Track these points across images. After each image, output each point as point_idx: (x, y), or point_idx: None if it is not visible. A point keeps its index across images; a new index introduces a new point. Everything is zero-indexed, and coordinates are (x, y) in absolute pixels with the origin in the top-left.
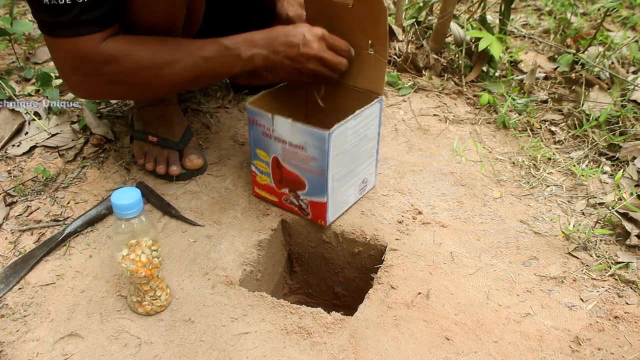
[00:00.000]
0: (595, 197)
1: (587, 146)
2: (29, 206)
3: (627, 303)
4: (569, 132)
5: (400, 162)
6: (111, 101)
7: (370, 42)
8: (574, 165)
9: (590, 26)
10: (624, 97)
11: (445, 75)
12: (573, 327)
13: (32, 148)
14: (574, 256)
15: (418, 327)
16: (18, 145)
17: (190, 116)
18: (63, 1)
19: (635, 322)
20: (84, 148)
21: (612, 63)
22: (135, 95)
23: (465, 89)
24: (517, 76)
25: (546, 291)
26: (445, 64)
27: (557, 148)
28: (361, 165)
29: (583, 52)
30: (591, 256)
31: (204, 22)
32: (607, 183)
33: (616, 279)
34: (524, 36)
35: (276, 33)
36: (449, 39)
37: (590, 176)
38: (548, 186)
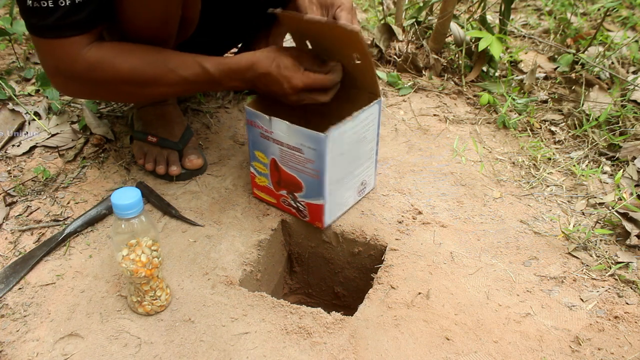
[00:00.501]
0: (595, 197)
1: (587, 146)
2: (29, 206)
3: (627, 303)
4: (569, 132)
5: (400, 162)
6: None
7: (355, 55)
8: (574, 165)
9: (590, 26)
10: (624, 97)
11: (445, 75)
12: (573, 327)
13: (32, 148)
14: (574, 256)
15: (418, 327)
16: (18, 145)
17: (190, 116)
18: (46, 4)
19: (635, 322)
20: (84, 148)
21: (612, 63)
22: (119, 101)
23: (465, 89)
24: (517, 76)
25: (546, 291)
26: (445, 64)
27: (557, 148)
28: (360, 167)
29: (583, 52)
30: (591, 256)
31: (200, 21)
32: (607, 183)
33: (616, 279)
34: (524, 36)
35: (261, 73)
36: (449, 39)
37: (590, 176)
38: (548, 186)
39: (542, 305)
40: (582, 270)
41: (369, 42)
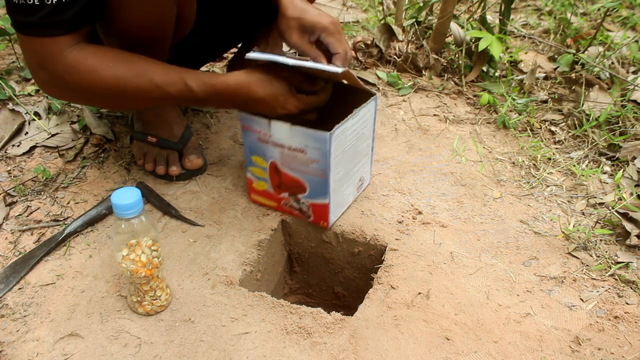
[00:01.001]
0: (595, 197)
1: (587, 146)
2: (29, 206)
3: (627, 303)
4: (569, 132)
5: (400, 162)
6: None
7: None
8: (574, 165)
9: (590, 26)
10: (624, 97)
11: (445, 75)
12: (573, 327)
13: (32, 148)
14: (574, 256)
15: (418, 327)
16: (18, 145)
17: (190, 116)
18: (32, 1)
19: (635, 322)
20: (84, 148)
21: (612, 63)
22: (101, 107)
23: (465, 89)
24: (517, 76)
25: (546, 291)
26: (445, 64)
27: (557, 148)
28: (358, 163)
29: (583, 52)
30: (591, 256)
31: (197, 21)
32: (607, 183)
33: (616, 279)
34: (524, 36)
35: (251, 98)
36: (449, 39)
37: (590, 176)
38: (548, 186)
39: (542, 305)
40: (582, 270)
41: (369, 42)
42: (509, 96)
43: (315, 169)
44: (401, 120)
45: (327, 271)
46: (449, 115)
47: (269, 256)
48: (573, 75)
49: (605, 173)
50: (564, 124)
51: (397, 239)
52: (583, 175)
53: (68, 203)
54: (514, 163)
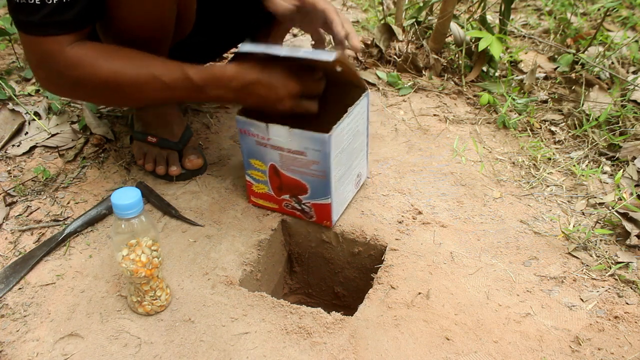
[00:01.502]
0: (595, 197)
1: (587, 146)
2: (29, 206)
3: (627, 303)
4: (569, 132)
5: (400, 162)
6: None
7: (338, 67)
8: (574, 165)
9: (590, 26)
10: (624, 97)
11: (445, 75)
12: (573, 327)
13: (32, 148)
14: (574, 256)
15: (418, 327)
16: (18, 145)
17: (190, 116)
18: (33, 1)
19: (635, 322)
20: (84, 148)
21: (612, 63)
22: (101, 103)
23: (465, 89)
24: (517, 76)
25: (546, 291)
26: (445, 64)
27: (557, 148)
28: (355, 160)
29: (583, 52)
30: (591, 256)
31: (197, 20)
32: (607, 183)
33: (616, 279)
34: (524, 36)
35: (250, 81)
36: (449, 39)
37: (590, 176)
38: (548, 186)
39: (542, 305)
40: (582, 270)
41: (369, 42)
42: (509, 96)
43: (316, 170)
44: (401, 120)
45: (327, 271)
46: (449, 115)
47: (269, 256)
48: (573, 75)
49: (605, 173)
50: (564, 124)
51: (397, 239)
52: (583, 175)
53: (68, 203)
54: (514, 163)
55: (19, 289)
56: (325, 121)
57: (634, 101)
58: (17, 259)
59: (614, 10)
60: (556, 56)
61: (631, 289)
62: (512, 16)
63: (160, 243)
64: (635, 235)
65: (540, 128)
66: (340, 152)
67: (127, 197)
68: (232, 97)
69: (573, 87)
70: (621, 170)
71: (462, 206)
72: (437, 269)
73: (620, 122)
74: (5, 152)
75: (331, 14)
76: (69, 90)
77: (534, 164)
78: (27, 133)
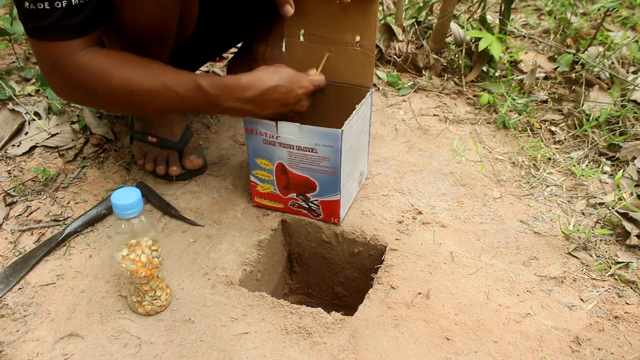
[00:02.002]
0: (595, 197)
1: (587, 146)
2: (29, 206)
3: (627, 303)
4: (569, 132)
5: (400, 162)
6: None
7: (357, 38)
8: (574, 165)
9: (590, 26)
10: (624, 97)
11: (445, 75)
12: (573, 327)
13: (32, 148)
14: (574, 256)
15: (418, 327)
16: (18, 145)
17: (190, 116)
18: (42, 6)
19: (635, 322)
20: (84, 148)
21: (612, 63)
22: (115, 111)
23: (465, 89)
24: (517, 76)
25: (546, 291)
26: (445, 64)
27: (557, 148)
28: (359, 158)
29: (583, 52)
30: (591, 256)
31: (199, 21)
32: (607, 183)
33: (616, 279)
34: (524, 36)
35: (268, 87)
36: (449, 39)
37: (590, 176)
38: (548, 186)
39: (542, 305)
40: (582, 270)
41: None
42: (509, 96)
43: (326, 166)
44: (401, 120)
45: (327, 271)
46: (449, 115)
47: (269, 256)
48: (573, 75)
49: (605, 173)
50: (564, 124)
51: (397, 239)
52: (583, 175)
53: (68, 203)
54: (514, 163)
55: (19, 289)
56: (324, 120)
57: (634, 101)
58: (17, 259)
59: (614, 10)
60: (556, 56)
61: (631, 289)
62: (512, 16)
63: (160, 243)
64: (635, 235)
65: (540, 128)
66: (349, 148)
67: (127, 197)
68: (248, 108)
69: (573, 87)
70: (621, 170)
71: (462, 206)
72: (437, 269)
73: (620, 122)
74: (5, 152)
75: None
76: (82, 96)
77: (534, 164)
78: (27, 133)
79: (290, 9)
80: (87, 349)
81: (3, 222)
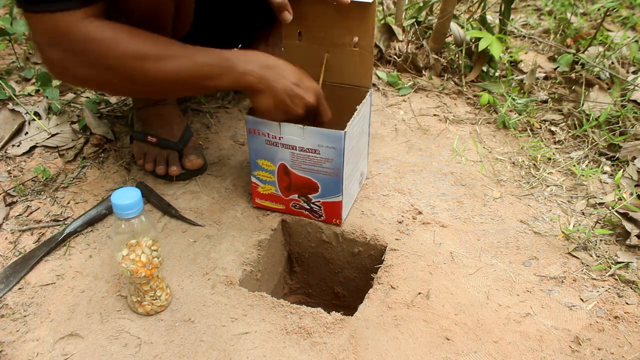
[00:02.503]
0: (595, 197)
1: (587, 146)
2: (29, 206)
3: (627, 303)
4: (569, 132)
5: (400, 162)
6: (111, 101)
7: (355, 38)
8: (574, 165)
9: (590, 26)
10: (624, 97)
11: (445, 75)
12: (573, 327)
13: (32, 148)
14: (574, 256)
15: (418, 327)
16: (18, 145)
17: (190, 116)
18: None
19: (635, 322)
20: (84, 148)
21: (612, 63)
22: (116, 87)
23: (465, 89)
24: (517, 76)
25: (546, 291)
26: (445, 64)
27: (557, 148)
28: (360, 159)
29: (583, 52)
30: (591, 256)
31: (196, 19)
32: (607, 183)
33: (616, 279)
34: (524, 36)
35: (282, 62)
36: (449, 39)
37: (590, 176)
38: (548, 186)
39: (542, 305)
40: (582, 270)
41: None
42: (509, 96)
43: (328, 167)
44: (401, 120)
45: (327, 271)
46: (449, 115)
47: (269, 256)
48: (573, 75)
49: (605, 173)
50: (564, 124)
51: (397, 239)
52: (583, 175)
53: (68, 203)
54: (514, 163)
55: (19, 289)
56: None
57: (634, 101)
58: (17, 259)
59: (614, 10)
60: (556, 56)
61: (631, 289)
62: (512, 16)
63: (160, 243)
64: (635, 235)
65: (540, 128)
66: (350, 149)
67: (127, 197)
68: (262, 74)
69: (573, 87)
70: (621, 170)
71: (462, 206)
72: (437, 269)
73: (620, 122)
74: (5, 152)
75: None
76: (86, 71)
77: (534, 164)
78: (27, 133)
79: (288, 16)
80: (87, 349)
81: (3, 222)
